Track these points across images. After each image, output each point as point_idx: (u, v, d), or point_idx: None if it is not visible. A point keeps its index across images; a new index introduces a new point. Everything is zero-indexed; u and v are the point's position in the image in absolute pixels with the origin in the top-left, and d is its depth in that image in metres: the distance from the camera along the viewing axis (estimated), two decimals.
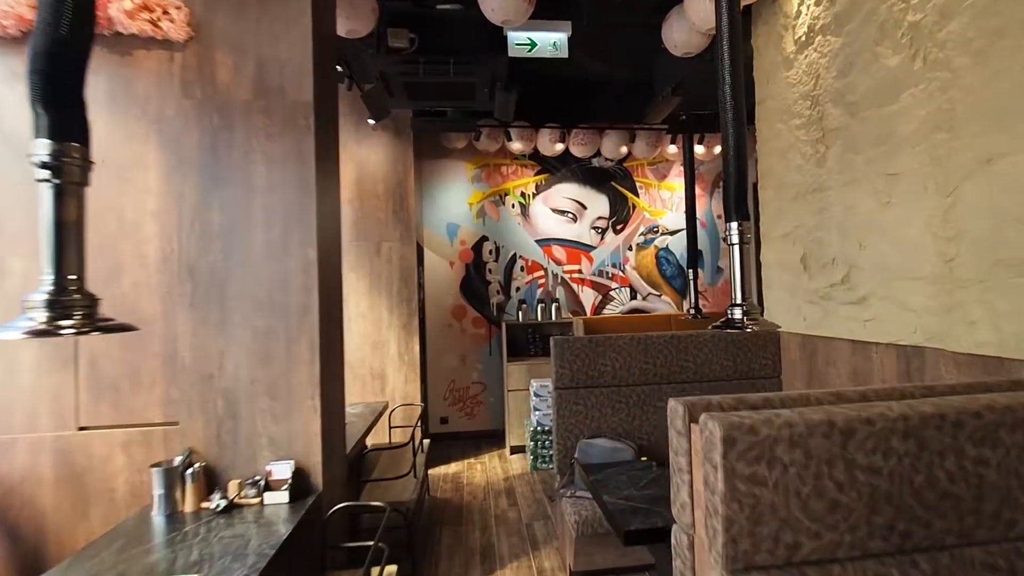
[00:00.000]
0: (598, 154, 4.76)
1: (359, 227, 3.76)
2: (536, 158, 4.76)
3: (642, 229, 4.89)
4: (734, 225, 1.75)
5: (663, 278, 4.90)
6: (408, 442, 2.97)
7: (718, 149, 4.73)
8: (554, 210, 4.77)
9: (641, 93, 3.80)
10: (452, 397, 4.56)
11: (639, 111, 4.00)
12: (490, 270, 4.67)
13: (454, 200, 4.64)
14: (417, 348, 3.78)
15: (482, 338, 4.62)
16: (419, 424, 3.04)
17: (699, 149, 4.50)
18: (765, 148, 2.60)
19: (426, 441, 3.30)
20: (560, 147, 4.47)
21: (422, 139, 4.40)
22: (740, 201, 1.81)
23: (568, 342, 2.63)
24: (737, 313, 1.76)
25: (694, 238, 3.98)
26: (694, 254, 4.00)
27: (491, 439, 4.54)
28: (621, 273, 4.84)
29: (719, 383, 2.81)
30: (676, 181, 4.94)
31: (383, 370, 3.75)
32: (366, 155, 3.80)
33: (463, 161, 4.66)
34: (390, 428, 3.48)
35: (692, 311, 3.96)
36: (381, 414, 3.07)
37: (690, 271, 3.97)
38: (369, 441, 3.16)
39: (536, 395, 3.87)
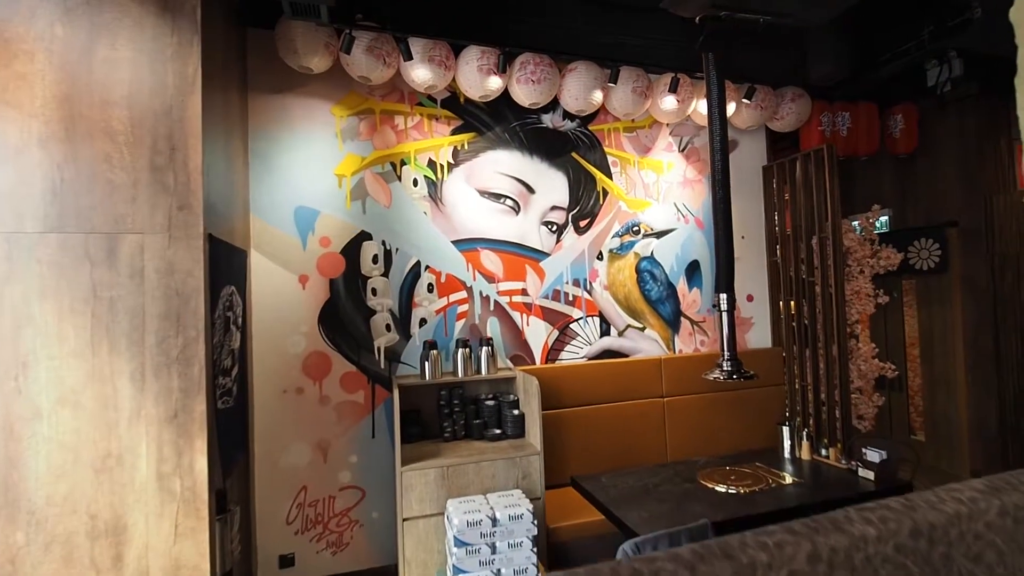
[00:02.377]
0: (555, 106, 2.99)
1: (67, 202, 1.71)
2: (454, 105, 2.91)
3: (616, 228, 3.19)
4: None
5: (647, 302, 3.22)
6: None
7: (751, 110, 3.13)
8: (484, 193, 2.94)
9: None
10: (304, 518, 2.57)
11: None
12: (374, 290, 2.74)
13: (308, 167, 2.67)
14: (202, 462, 1.78)
15: (358, 410, 2.67)
16: None
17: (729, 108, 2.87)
18: None
19: None
20: (496, 84, 2.66)
21: (234, 40, 2.37)
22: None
23: None
24: None
25: (729, 241, 2.31)
26: (729, 269, 2.31)
27: None
28: (587, 295, 3.10)
29: None
30: (664, 157, 3.29)
31: (120, 518, 1.72)
32: (89, 48, 1.76)
33: (325, 99, 2.70)
34: None
35: (727, 365, 2.28)
36: None
37: (723, 298, 2.30)
38: None
39: (457, 528, 2.01)
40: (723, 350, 2.34)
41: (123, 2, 1.75)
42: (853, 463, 2.39)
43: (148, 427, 1.76)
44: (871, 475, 2.30)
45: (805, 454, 2.58)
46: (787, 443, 2.63)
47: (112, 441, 1.74)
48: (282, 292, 2.58)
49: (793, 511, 2.04)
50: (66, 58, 1.75)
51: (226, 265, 2.09)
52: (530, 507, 2.09)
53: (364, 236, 2.70)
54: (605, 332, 3.12)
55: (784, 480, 2.33)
